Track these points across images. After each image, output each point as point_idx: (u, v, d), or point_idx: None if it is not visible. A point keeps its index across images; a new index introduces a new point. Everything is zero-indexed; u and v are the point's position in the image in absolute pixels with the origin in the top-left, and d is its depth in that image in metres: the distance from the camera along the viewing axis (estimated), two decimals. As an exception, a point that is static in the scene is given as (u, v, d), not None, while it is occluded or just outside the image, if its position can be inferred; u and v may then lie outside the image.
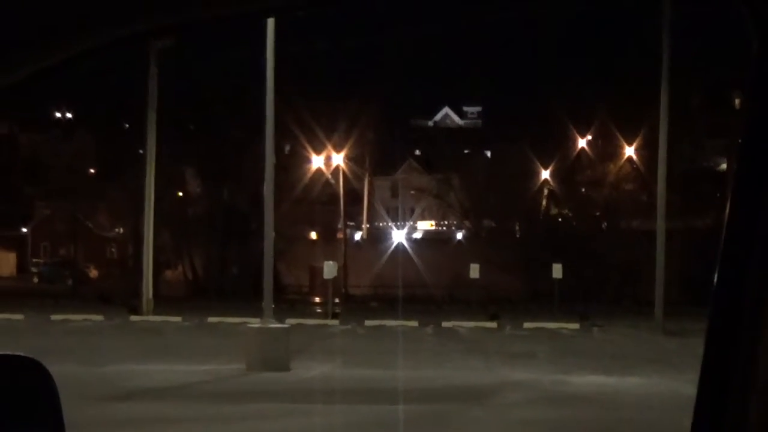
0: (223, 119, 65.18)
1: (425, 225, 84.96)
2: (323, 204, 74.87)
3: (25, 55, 1.87)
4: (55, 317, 40.80)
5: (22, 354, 2.22)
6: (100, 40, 1.91)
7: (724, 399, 1.88)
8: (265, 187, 27.18)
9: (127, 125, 68.00)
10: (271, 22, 26.01)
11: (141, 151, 48.24)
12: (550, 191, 71.50)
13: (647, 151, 58.16)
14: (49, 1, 1.83)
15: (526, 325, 40.30)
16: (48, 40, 1.87)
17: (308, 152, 68.47)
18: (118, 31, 1.91)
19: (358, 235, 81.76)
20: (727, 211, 1.88)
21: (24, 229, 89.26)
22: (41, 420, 2.18)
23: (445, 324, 40.69)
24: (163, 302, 46.78)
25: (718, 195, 68.98)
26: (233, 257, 67.95)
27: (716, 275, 1.90)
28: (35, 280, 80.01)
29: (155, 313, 42.31)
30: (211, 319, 40.80)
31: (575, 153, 69.04)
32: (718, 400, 1.89)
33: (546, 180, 70.48)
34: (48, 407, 2.17)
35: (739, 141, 1.98)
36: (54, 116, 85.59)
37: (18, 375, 2.17)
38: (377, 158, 77.44)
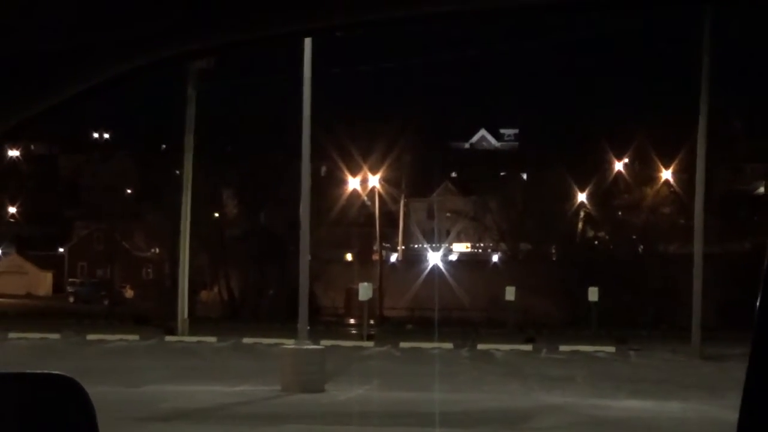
0: (260, 142, 65.41)
1: (461, 247, 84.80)
2: (359, 226, 74.90)
3: (68, 76, 1.87)
4: (91, 337, 40.96)
5: (59, 373, 2.21)
6: (141, 62, 1.91)
7: (767, 425, 1.84)
8: (301, 209, 27.22)
9: (165, 147, 68.34)
10: (308, 43, 26.09)
11: (178, 173, 48.46)
12: (587, 214, 71.24)
13: (685, 174, 57.93)
14: (96, 21, 1.83)
15: (562, 348, 40.09)
16: (94, 60, 1.87)
17: (345, 174, 68.61)
18: (156, 54, 1.91)
19: (393, 257, 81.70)
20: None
21: (61, 249, 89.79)
22: None
23: (480, 347, 40.54)
24: (199, 323, 46.87)
25: (756, 219, 68.60)
26: (269, 279, 68.03)
27: (759, 299, 1.86)
28: (71, 299, 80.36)
29: (191, 333, 42.39)
30: (247, 340, 40.82)
31: (612, 176, 68.82)
32: (761, 427, 1.85)
33: (582, 203, 70.25)
34: (85, 426, 2.17)
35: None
36: (93, 138, 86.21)
37: (56, 394, 2.17)
38: (413, 180, 77.45)
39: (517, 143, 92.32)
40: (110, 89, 1.94)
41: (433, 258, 76.12)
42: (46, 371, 2.20)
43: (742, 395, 1.88)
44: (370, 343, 41.49)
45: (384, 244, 76.66)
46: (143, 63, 1.90)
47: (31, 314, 57.53)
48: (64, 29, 1.79)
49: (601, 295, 47.98)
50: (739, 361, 33.86)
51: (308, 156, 26.92)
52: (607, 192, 69.12)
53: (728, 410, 21.64)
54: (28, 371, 2.21)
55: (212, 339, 41.24)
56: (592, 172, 67.91)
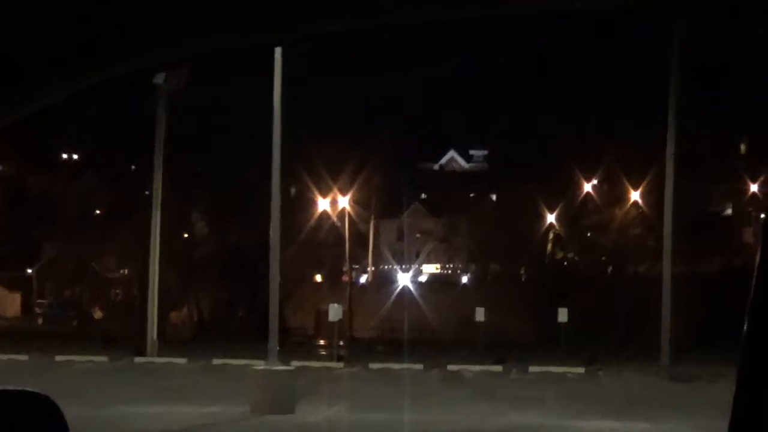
0: (231, 162, 65.35)
1: (431, 268, 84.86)
2: (329, 246, 74.85)
3: (32, 91, 1.86)
4: (59, 358, 40.72)
5: (33, 390, 2.22)
6: (109, 74, 1.91)
7: None
8: (271, 229, 27.20)
9: (135, 167, 68.16)
10: (278, 60, 26.10)
11: (148, 193, 48.34)
12: (556, 235, 71.46)
13: (653, 196, 58.21)
14: (64, 33, 1.83)
15: (532, 369, 40.14)
16: (61, 72, 1.86)
17: (314, 195, 68.61)
18: (126, 66, 1.91)
19: (363, 278, 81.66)
20: (759, 255, 1.86)
21: (29, 270, 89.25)
22: None
23: (450, 367, 40.54)
24: (169, 344, 46.69)
25: (724, 240, 68.98)
26: (239, 299, 67.89)
27: (746, 320, 1.87)
28: (40, 320, 79.86)
29: (160, 354, 42.22)
30: (216, 361, 40.68)
31: (581, 197, 69.09)
32: None
33: (552, 224, 70.47)
34: None
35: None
36: (62, 158, 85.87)
37: (30, 411, 2.17)
38: (383, 201, 77.49)
39: (486, 164, 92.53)
40: (92, 95, 1.93)
41: (403, 279, 76.14)
42: (20, 388, 2.20)
43: (732, 409, 1.88)
44: (340, 364, 41.43)
45: (354, 264, 76.65)
46: (127, 70, 1.90)
47: (-2, 335, 57.12)
48: (48, 32, 1.79)
49: (570, 315, 48.07)
50: (707, 381, 34.04)
51: (278, 174, 26.92)
52: (576, 213, 69.38)
53: (697, 430, 21.72)
54: (1, 388, 2.21)
55: (182, 360, 41.08)
56: (562, 192, 68.17)
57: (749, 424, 1.85)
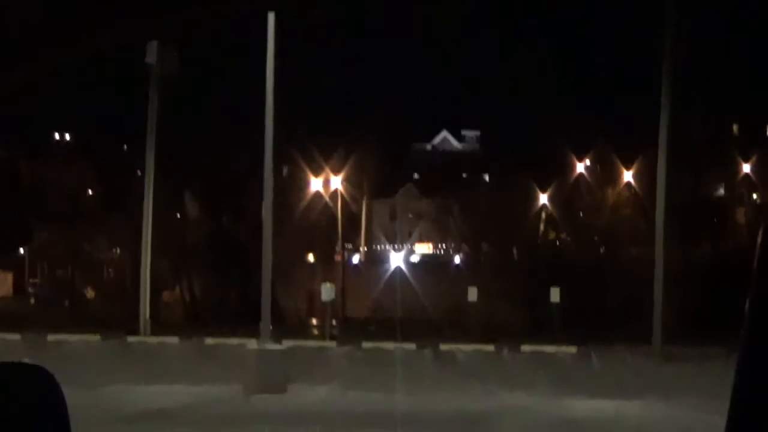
0: (223, 143, 65.26)
1: (423, 248, 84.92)
2: (321, 227, 74.86)
3: (19, 59, 1.86)
4: (51, 338, 40.72)
5: (30, 362, 2.23)
6: (97, 43, 1.91)
7: (756, 426, 1.85)
8: (263, 209, 27.20)
9: (127, 149, 68.04)
10: (271, 38, 26.06)
11: (140, 174, 48.29)
12: (548, 216, 71.51)
13: (646, 177, 58.26)
14: (51, 3, 1.83)
15: (524, 349, 40.23)
16: (49, 43, 1.86)
17: (307, 176, 68.57)
18: (116, 33, 1.91)
19: (356, 258, 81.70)
20: (760, 237, 1.86)
21: (21, 250, 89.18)
22: (48, 426, 2.19)
23: (443, 347, 40.62)
24: (161, 324, 46.72)
25: (716, 221, 69.11)
26: (232, 280, 67.89)
27: (748, 301, 1.87)
28: (32, 301, 79.83)
29: (152, 334, 42.26)
30: (209, 341, 40.72)
31: (574, 178, 69.12)
32: (750, 427, 1.86)
33: (544, 205, 70.51)
34: (57, 415, 2.19)
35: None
36: (54, 139, 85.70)
37: (27, 383, 2.19)
38: (376, 181, 77.46)
39: (478, 145, 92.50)
40: (79, 65, 1.93)
41: (396, 259, 76.20)
42: (17, 360, 2.22)
43: (731, 395, 1.88)
44: (333, 344, 41.50)
45: (346, 245, 76.69)
46: (101, 44, 1.90)
47: (-10, 315, 57.09)
48: (37, 4, 1.79)
49: (562, 296, 48.13)
50: (699, 363, 34.16)
51: (270, 152, 26.88)
52: (568, 194, 69.41)
53: (687, 411, 21.81)
54: None
55: (174, 340, 41.12)
56: (554, 174, 68.18)
57: (749, 414, 1.85)
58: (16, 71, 1.87)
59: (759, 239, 1.90)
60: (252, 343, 27.58)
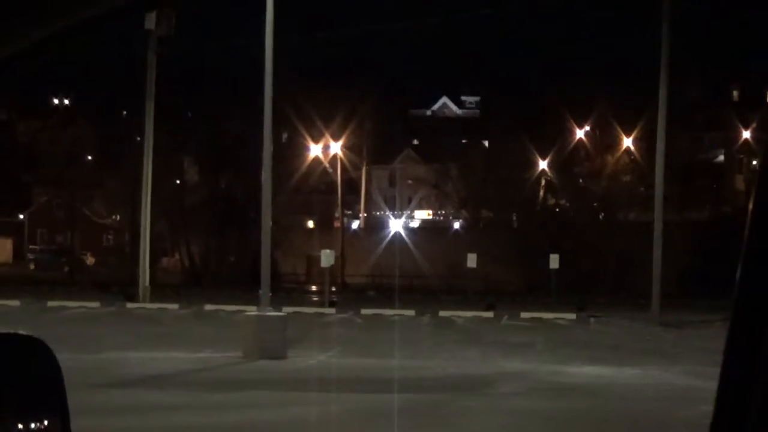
0: (221, 107, 65.20)
1: (423, 214, 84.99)
2: (321, 193, 74.92)
3: (30, 20, 1.85)
4: (51, 304, 40.79)
5: (24, 333, 2.24)
6: (95, 10, 1.89)
7: (747, 393, 1.85)
8: (263, 175, 27.18)
9: (125, 113, 67.95)
10: (270, 5, 25.98)
11: (139, 139, 48.21)
12: (548, 182, 71.52)
13: (645, 142, 58.21)
14: None
15: (523, 315, 40.32)
16: (41, 10, 1.85)
17: (306, 141, 68.52)
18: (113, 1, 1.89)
19: (355, 224, 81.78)
20: (752, 202, 1.86)
21: (21, 216, 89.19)
22: (45, 399, 2.19)
23: (442, 313, 40.70)
24: (160, 290, 46.75)
25: (715, 187, 69.14)
26: (231, 246, 67.98)
27: (740, 267, 1.87)
28: (32, 266, 79.94)
29: (152, 300, 42.28)
30: (208, 307, 40.79)
31: (573, 144, 69.06)
32: (741, 395, 1.86)
33: (544, 170, 70.50)
34: (52, 386, 2.19)
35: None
36: (52, 103, 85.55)
37: (21, 353, 2.19)
38: (375, 147, 77.44)
39: (478, 111, 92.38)
40: (73, 36, 1.92)
41: (395, 225, 76.26)
42: (11, 331, 2.22)
43: (722, 362, 1.88)
44: (332, 310, 41.55)
45: (345, 211, 76.73)
46: (98, 11, 1.88)
47: (-10, 281, 57.17)
48: None
49: (561, 262, 48.21)
50: (696, 328, 34.27)
51: (270, 120, 26.83)
52: (568, 159, 69.38)
53: (685, 376, 21.90)
54: None
55: (174, 306, 41.17)
56: (554, 139, 68.10)
57: (740, 370, 1.85)
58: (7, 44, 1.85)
59: (750, 205, 1.90)
60: (252, 310, 27.63)
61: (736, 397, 1.84)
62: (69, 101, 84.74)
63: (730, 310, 1.87)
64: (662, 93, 38.83)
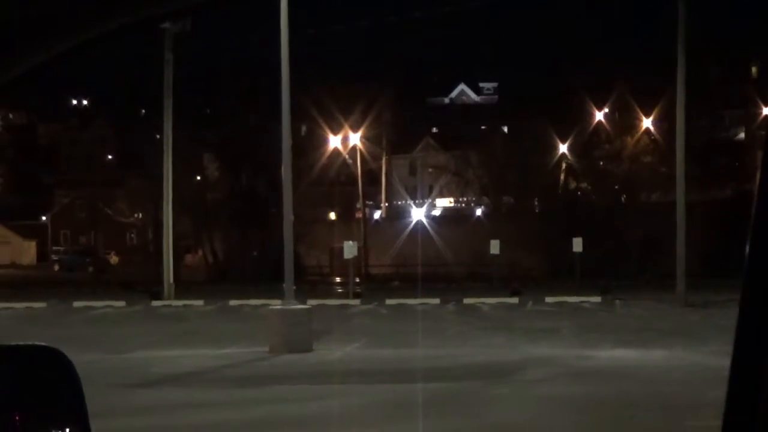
0: (239, 103, 65.23)
1: (444, 202, 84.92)
2: (341, 184, 74.93)
3: (37, 43, 1.85)
4: (77, 305, 40.96)
5: (43, 344, 2.22)
6: (113, 25, 1.89)
7: (760, 373, 1.84)
8: (283, 169, 27.17)
9: (144, 112, 68.08)
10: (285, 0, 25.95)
11: (158, 137, 48.31)
12: (568, 166, 71.32)
13: (665, 123, 57.97)
14: None
15: (548, 300, 40.27)
16: (63, 26, 1.85)
17: (325, 133, 68.50)
18: (130, 16, 1.89)
19: (377, 215, 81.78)
20: (758, 180, 1.83)
21: (43, 218, 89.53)
22: (65, 410, 2.17)
23: (466, 301, 40.69)
24: (185, 287, 46.88)
25: (737, 165, 68.80)
26: (253, 240, 68.03)
27: (748, 246, 1.85)
28: (56, 268, 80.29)
29: (177, 297, 42.42)
30: (233, 303, 40.87)
31: (593, 127, 68.83)
32: (753, 374, 1.85)
33: (564, 154, 70.29)
34: (71, 397, 2.17)
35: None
36: (71, 105, 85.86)
37: (40, 366, 2.17)
38: (394, 137, 77.40)
39: (496, 97, 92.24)
40: (89, 50, 1.91)
41: (417, 214, 76.21)
42: (29, 343, 2.20)
43: (734, 342, 1.88)
44: (357, 301, 41.59)
45: (367, 201, 76.70)
46: (124, 22, 1.88)
47: (16, 284, 57.45)
48: None
49: (584, 245, 48.09)
50: (721, 308, 34.11)
51: (288, 113, 26.81)
52: (588, 143, 69.17)
53: (713, 356, 21.79)
54: (11, 343, 2.21)
55: (199, 303, 41.28)
56: (573, 123, 67.87)
57: (752, 350, 1.84)
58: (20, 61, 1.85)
59: (757, 184, 1.88)
60: (276, 304, 27.64)
61: (748, 381, 1.83)
62: (88, 102, 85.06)
63: (739, 300, 1.86)
64: (680, 72, 38.64)
